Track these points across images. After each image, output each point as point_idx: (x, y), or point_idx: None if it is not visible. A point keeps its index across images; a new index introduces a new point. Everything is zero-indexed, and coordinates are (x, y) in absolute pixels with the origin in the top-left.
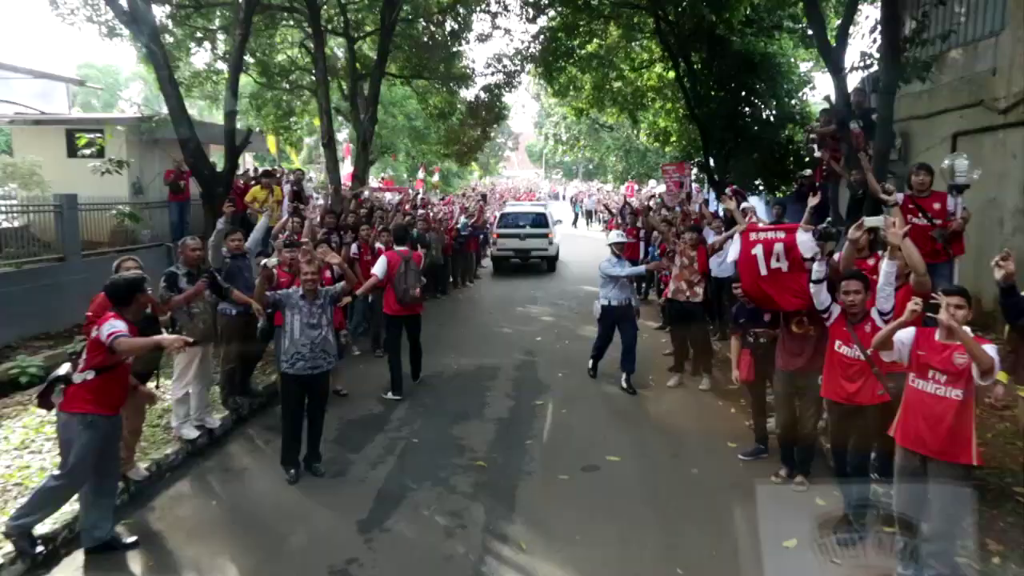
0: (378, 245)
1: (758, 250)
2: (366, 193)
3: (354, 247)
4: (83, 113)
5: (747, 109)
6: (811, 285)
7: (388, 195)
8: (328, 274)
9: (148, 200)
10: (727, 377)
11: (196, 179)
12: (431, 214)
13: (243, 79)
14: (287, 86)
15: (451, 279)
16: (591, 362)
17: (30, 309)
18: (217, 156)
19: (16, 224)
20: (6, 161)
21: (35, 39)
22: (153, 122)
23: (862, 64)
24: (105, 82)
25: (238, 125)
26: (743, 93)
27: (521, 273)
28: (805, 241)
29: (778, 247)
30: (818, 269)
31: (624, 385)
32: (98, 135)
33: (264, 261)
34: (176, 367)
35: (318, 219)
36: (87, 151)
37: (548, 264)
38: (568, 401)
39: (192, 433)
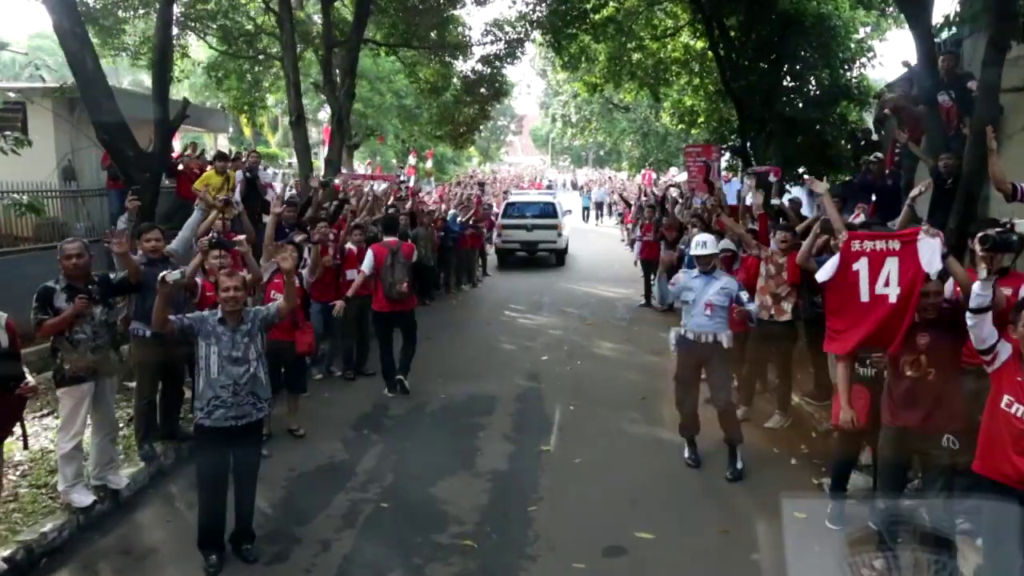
0: (349, 246)
1: (861, 265)
2: (338, 180)
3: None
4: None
5: (793, 83)
6: (968, 316)
7: (375, 184)
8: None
9: (82, 187)
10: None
11: (115, 162)
12: (417, 205)
13: (203, 49)
14: (252, 54)
15: (443, 282)
16: (686, 448)
17: None
18: (180, 140)
19: None
20: None
21: None
22: (62, 90)
23: (956, 17)
24: (62, 55)
25: (193, 99)
26: (787, 64)
27: (526, 268)
28: (930, 252)
29: (890, 264)
30: (981, 293)
31: (729, 474)
32: None
33: (164, 274)
34: (61, 411)
35: (279, 211)
36: None
37: (557, 258)
38: (582, 446)
39: (85, 499)
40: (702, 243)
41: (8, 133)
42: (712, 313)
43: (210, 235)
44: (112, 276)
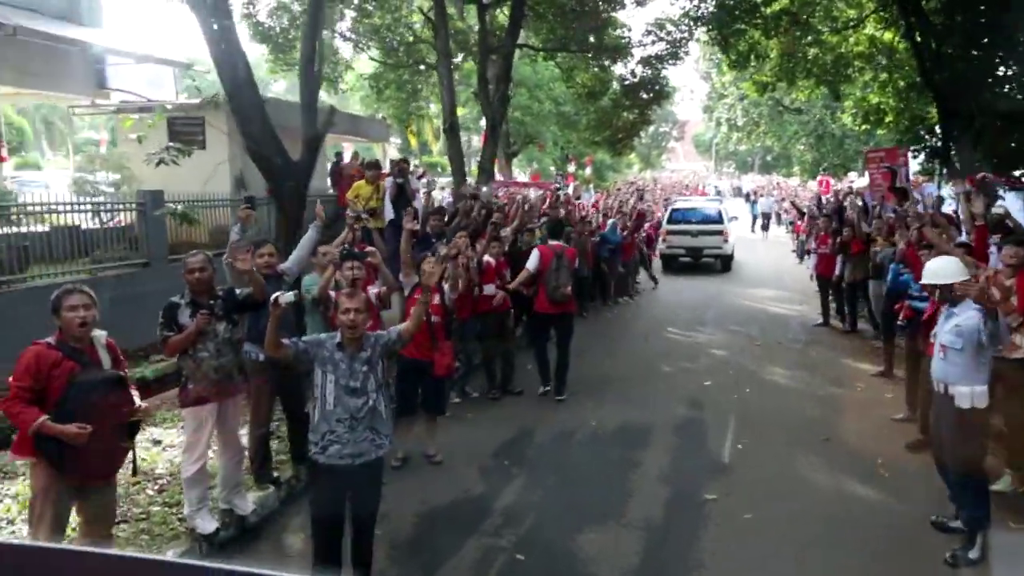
0: (487, 258)
1: None
2: (485, 189)
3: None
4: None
5: (1010, 71)
6: None
7: (530, 191)
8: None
9: (253, 196)
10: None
11: (262, 172)
12: (571, 213)
13: (371, 64)
14: (411, 63)
15: (600, 294)
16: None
17: (105, 322)
18: (349, 151)
19: (110, 224)
20: (95, 153)
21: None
22: (215, 102)
23: None
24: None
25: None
26: (1004, 50)
27: (691, 275)
28: None
29: None
30: None
31: (950, 557)
32: (146, 116)
33: (276, 295)
34: (185, 432)
35: (411, 227)
36: (133, 136)
37: (723, 264)
38: (752, 497)
39: (208, 525)
40: (932, 272)
41: (171, 145)
42: (944, 356)
43: (341, 247)
44: (238, 292)
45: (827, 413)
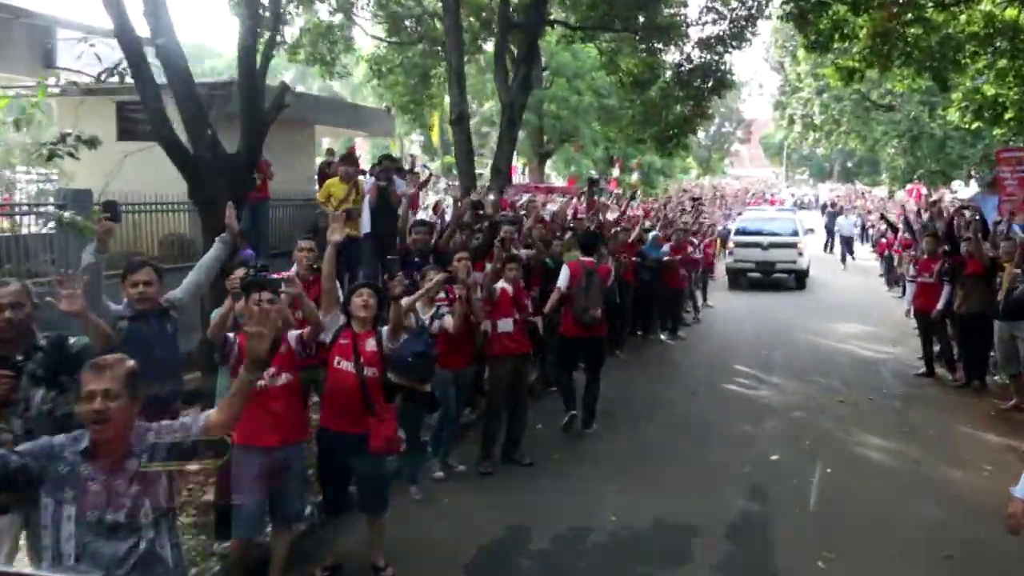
0: (502, 284)
1: None
2: (491, 197)
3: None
4: None
5: None
6: None
7: (557, 199)
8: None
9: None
10: None
11: (178, 166)
12: (604, 224)
13: (364, 39)
14: (419, 40)
15: (642, 326)
16: None
17: None
18: (341, 143)
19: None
20: (19, 141)
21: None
22: (101, 79)
23: None
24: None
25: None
26: None
27: (756, 292)
28: None
29: None
30: None
31: None
32: (30, 95)
33: None
34: None
35: (337, 239)
36: (9, 120)
37: (797, 280)
38: None
39: None
40: None
41: (68, 133)
42: None
43: (246, 271)
44: (71, 341)
45: (946, 511)
